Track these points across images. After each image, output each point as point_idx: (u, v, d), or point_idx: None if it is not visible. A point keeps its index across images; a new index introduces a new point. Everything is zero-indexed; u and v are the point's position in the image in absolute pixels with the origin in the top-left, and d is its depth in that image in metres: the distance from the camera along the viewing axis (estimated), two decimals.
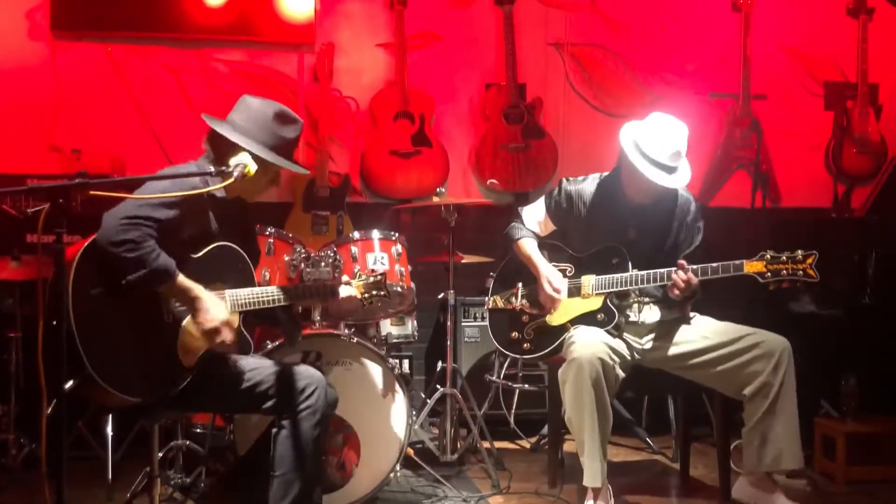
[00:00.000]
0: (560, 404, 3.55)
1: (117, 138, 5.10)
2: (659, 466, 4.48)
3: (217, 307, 2.89)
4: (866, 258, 4.69)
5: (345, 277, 3.48)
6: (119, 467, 3.91)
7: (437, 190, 4.39)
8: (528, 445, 4.79)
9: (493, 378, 4.77)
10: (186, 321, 2.89)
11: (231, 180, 2.84)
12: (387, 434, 3.66)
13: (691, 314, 3.72)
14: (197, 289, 2.86)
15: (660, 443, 4.70)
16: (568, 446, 4.04)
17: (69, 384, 2.53)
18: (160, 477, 3.20)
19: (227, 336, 2.90)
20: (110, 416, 3.91)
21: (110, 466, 3.86)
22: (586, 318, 3.64)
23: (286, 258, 3.88)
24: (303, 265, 3.84)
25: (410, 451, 4.08)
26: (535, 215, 3.93)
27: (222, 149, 3.01)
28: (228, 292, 3.01)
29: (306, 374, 3.04)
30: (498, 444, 4.51)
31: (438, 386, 4.33)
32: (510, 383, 4.79)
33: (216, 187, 2.84)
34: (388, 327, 4.62)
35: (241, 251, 3.09)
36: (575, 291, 3.70)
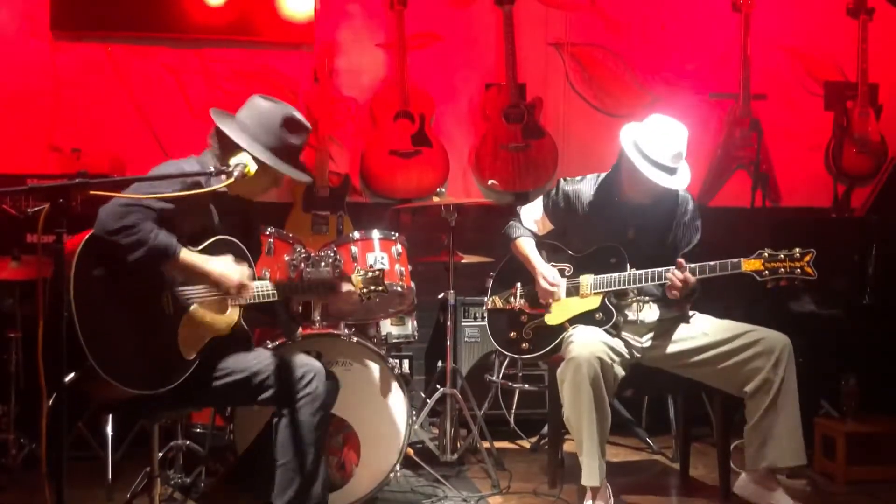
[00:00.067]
0: (560, 404, 3.55)
1: (117, 138, 5.10)
2: (659, 466, 4.48)
3: (230, 269, 2.94)
4: (866, 258, 4.70)
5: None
6: (119, 467, 3.91)
7: (437, 190, 4.40)
8: (528, 445, 4.79)
9: (493, 378, 4.78)
10: (193, 308, 2.89)
11: (231, 180, 2.84)
12: (387, 434, 3.66)
13: (691, 313, 3.73)
14: (202, 260, 2.89)
15: (660, 443, 4.70)
16: (568, 446, 4.04)
17: (70, 376, 2.53)
18: (160, 477, 3.20)
19: (246, 292, 2.97)
20: (110, 416, 3.91)
21: (110, 466, 3.86)
22: (585, 318, 3.64)
23: (286, 258, 3.88)
24: (303, 265, 3.84)
25: (410, 451, 4.08)
26: (532, 214, 3.94)
27: (226, 145, 3.01)
28: (234, 264, 3.02)
29: (304, 362, 3.06)
30: (498, 444, 4.51)
31: (438, 386, 4.33)
32: (510, 383, 4.79)
33: (216, 187, 2.84)
34: (388, 327, 4.62)
35: (241, 245, 3.09)
36: (573, 291, 3.71)
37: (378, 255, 3.98)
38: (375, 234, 4.05)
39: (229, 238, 3.06)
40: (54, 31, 5.06)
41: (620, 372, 3.53)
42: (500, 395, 4.82)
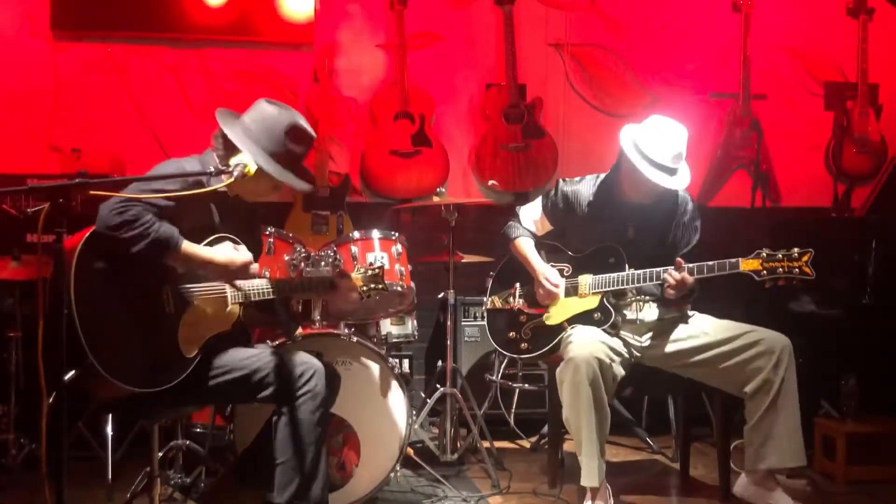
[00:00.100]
0: (560, 404, 3.55)
1: (117, 138, 5.10)
2: (659, 466, 4.48)
3: (233, 255, 2.95)
4: (866, 258, 4.70)
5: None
6: (119, 467, 3.91)
7: (437, 190, 4.40)
8: (528, 445, 4.79)
9: (493, 377, 4.78)
10: (194, 305, 2.89)
11: (231, 180, 2.84)
12: (387, 434, 3.66)
13: (690, 312, 3.73)
14: (204, 249, 2.89)
15: (660, 443, 4.70)
16: (568, 446, 4.04)
17: (70, 374, 2.53)
18: (160, 477, 3.20)
19: (253, 271, 2.99)
20: (110, 416, 3.91)
21: (110, 466, 3.86)
22: (583, 318, 3.65)
23: (286, 258, 3.87)
24: (303, 265, 3.84)
25: (410, 451, 4.08)
26: (531, 215, 3.94)
27: (229, 147, 3.02)
28: (228, 284, 3.01)
29: (304, 360, 3.06)
30: (498, 444, 4.51)
31: (438, 385, 4.33)
32: (510, 383, 4.79)
33: (216, 187, 2.84)
34: (388, 327, 4.62)
35: (241, 244, 3.09)
36: (572, 291, 3.71)
37: (378, 254, 3.98)
38: (375, 233, 4.05)
39: (230, 237, 3.06)
40: (54, 31, 5.06)
41: (620, 371, 3.53)
42: (500, 395, 4.82)
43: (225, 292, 3.01)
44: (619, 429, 4.73)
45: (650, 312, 3.69)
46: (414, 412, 3.99)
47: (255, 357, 3.02)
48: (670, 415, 4.70)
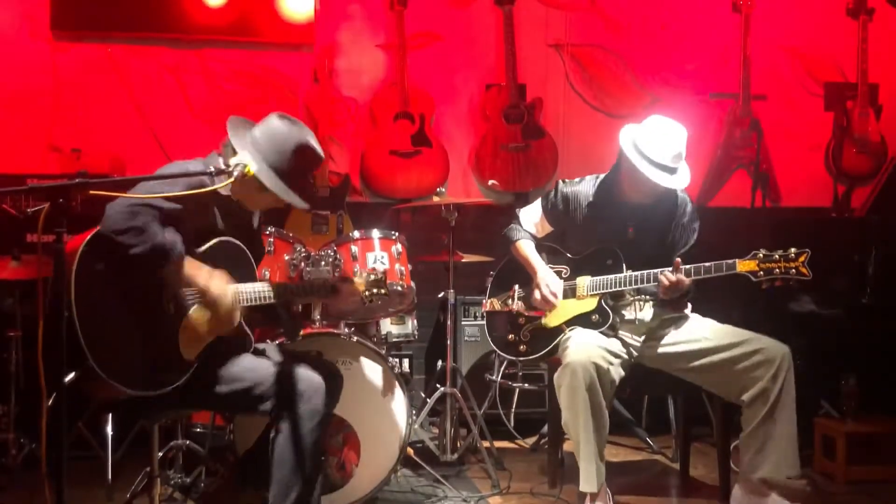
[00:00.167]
0: (560, 406, 3.55)
1: (117, 138, 5.10)
2: (659, 466, 4.48)
3: (226, 288, 2.92)
4: (866, 258, 4.70)
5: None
6: (119, 467, 3.91)
7: (437, 190, 4.40)
8: (528, 445, 4.79)
9: (493, 377, 4.78)
10: (193, 309, 2.89)
11: (231, 180, 2.83)
12: (387, 434, 3.66)
13: (690, 314, 3.73)
14: (205, 271, 2.88)
15: (660, 443, 4.70)
16: (568, 446, 4.03)
17: (70, 376, 2.53)
18: (160, 477, 3.20)
19: (235, 318, 2.94)
20: (110, 415, 3.91)
21: (110, 466, 3.86)
22: (581, 320, 3.65)
23: (286, 257, 3.88)
24: (303, 264, 3.85)
25: (410, 451, 4.08)
26: (531, 217, 3.94)
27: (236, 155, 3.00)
28: (230, 287, 3.01)
29: (305, 375, 3.03)
30: (498, 444, 4.51)
31: (438, 385, 4.33)
32: (510, 382, 4.79)
33: (216, 187, 2.83)
34: (388, 326, 4.63)
35: (243, 247, 3.09)
36: (570, 293, 3.71)
37: (378, 254, 3.98)
38: (375, 233, 4.05)
39: (232, 240, 3.06)
40: (54, 32, 5.06)
41: (620, 373, 3.53)
42: (500, 395, 4.82)
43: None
44: (619, 429, 4.74)
45: (649, 313, 3.69)
46: (414, 412, 4.00)
47: (255, 370, 3.00)
48: (670, 415, 4.70)
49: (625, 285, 3.57)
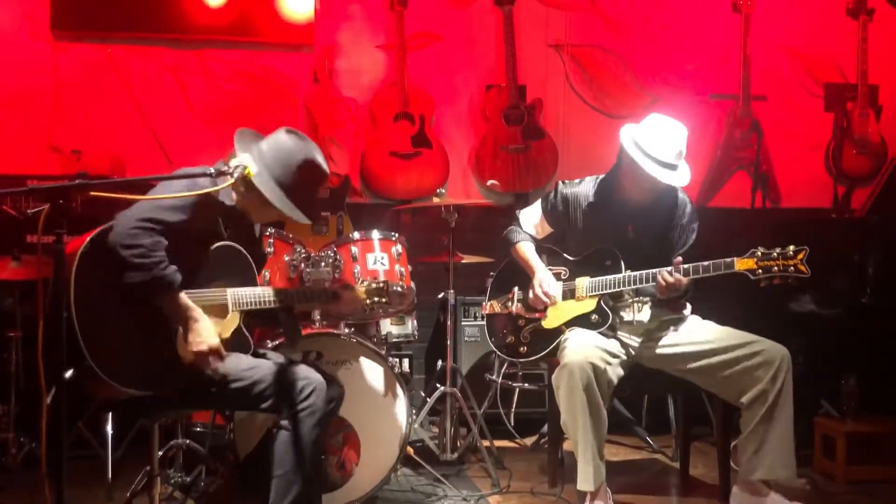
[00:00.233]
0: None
1: (117, 138, 5.10)
2: (659, 466, 4.48)
3: (209, 332, 2.86)
4: (866, 258, 4.70)
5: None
6: (119, 466, 3.91)
7: (437, 191, 4.40)
8: (528, 444, 4.79)
9: (493, 377, 4.78)
10: (198, 307, 2.90)
11: (231, 181, 2.83)
12: (387, 433, 3.66)
13: (689, 315, 3.73)
14: (195, 310, 2.85)
15: (660, 442, 4.70)
16: (568, 445, 4.03)
17: (69, 373, 2.53)
18: (160, 476, 3.20)
19: (213, 363, 2.87)
20: (110, 415, 3.91)
21: (110, 466, 3.86)
22: (581, 321, 3.65)
23: (286, 258, 3.88)
24: (303, 265, 3.85)
25: (410, 450, 4.09)
26: (531, 218, 3.95)
27: None
28: (230, 291, 3.01)
29: (305, 374, 3.04)
30: (498, 444, 4.51)
31: (438, 385, 4.33)
32: (510, 382, 4.79)
33: (217, 188, 2.83)
34: (388, 327, 4.63)
35: (244, 251, 3.09)
36: (569, 294, 3.71)
37: (378, 255, 3.98)
38: (375, 234, 4.05)
39: (233, 244, 3.06)
40: (54, 32, 5.07)
41: (619, 373, 3.53)
42: (500, 394, 4.82)
43: (226, 299, 3.00)
44: (619, 428, 4.75)
45: (647, 314, 3.69)
46: (414, 412, 4.00)
47: (256, 368, 3.01)
48: (670, 414, 4.71)
49: (624, 286, 3.58)
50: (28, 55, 5.06)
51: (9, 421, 3.99)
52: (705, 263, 3.43)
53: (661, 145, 3.50)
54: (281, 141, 3.03)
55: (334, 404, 3.15)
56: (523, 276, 3.85)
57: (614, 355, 3.55)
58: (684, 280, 3.44)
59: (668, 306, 3.69)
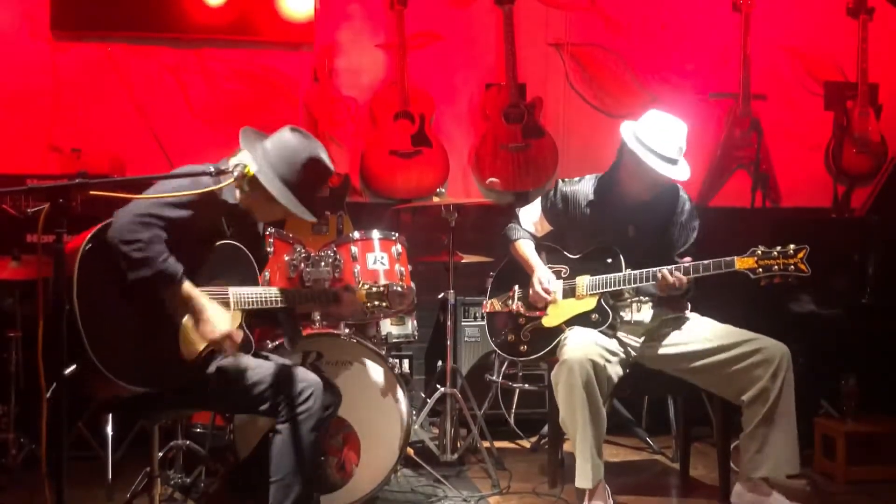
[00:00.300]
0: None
1: (117, 138, 5.10)
2: (659, 466, 4.48)
3: (220, 318, 2.85)
4: (866, 258, 4.69)
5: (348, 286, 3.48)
6: (119, 467, 3.90)
7: (437, 190, 4.40)
8: (528, 445, 4.79)
9: (493, 378, 4.78)
10: (186, 318, 2.89)
11: (231, 180, 2.83)
12: (387, 434, 3.66)
13: (690, 314, 3.72)
14: (202, 298, 2.84)
15: (660, 443, 4.70)
16: (568, 446, 4.03)
17: (70, 369, 2.53)
18: (160, 477, 3.20)
19: (228, 348, 2.88)
20: (110, 416, 3.91)
21: (110, 466, 3.86)
22: (581, 319, 3.65)
23: (286, 258, 3.88)
24: (303, 265, 3.84)
25: (410, 451, 4.08)
26: (531, 216, 3.94)
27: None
28: (232, 290, 3.00)
29: (304, 377, 3.03)
30: (498, 444, 4.51)
31: (438, 385, 4.33)
32: (510, 383, 4.79)
33: (218, 186, 2.82)
34: (388, 327, 4.62)
35: (245, 250, 3.08)
36: (569, 292, 3.71)
37: (378, 254, 3.98)
38: (375, 234, 4.05)
39: (235, 243, 3.05)
40: (54, 31, 5.07)
41: (618, 372, 3.53)
42: (500, 395, 4.82)
43: (228, 297, 3.00)
44: (619, 429, 4.75)
45: (648, 314, 3.69)
46: (414, 412, 4.00)
47: (255, 369, 3.00)
48: (670, 415, 4.70)
49: (624, 284, 3.57)
50: (28, 55, 5.05)
51: (9, 421, 3.99)
52: (705, 262, 3.43)
53: (662, 140, 3.50)
54: (285, 139, 3.03)
55: (331, 410, 3.14)
56: (523, 275, 3.84)
57: (613, 353, 3.55)
58: (684, 279, 3.44)
59: (669, 305, 3.68)
